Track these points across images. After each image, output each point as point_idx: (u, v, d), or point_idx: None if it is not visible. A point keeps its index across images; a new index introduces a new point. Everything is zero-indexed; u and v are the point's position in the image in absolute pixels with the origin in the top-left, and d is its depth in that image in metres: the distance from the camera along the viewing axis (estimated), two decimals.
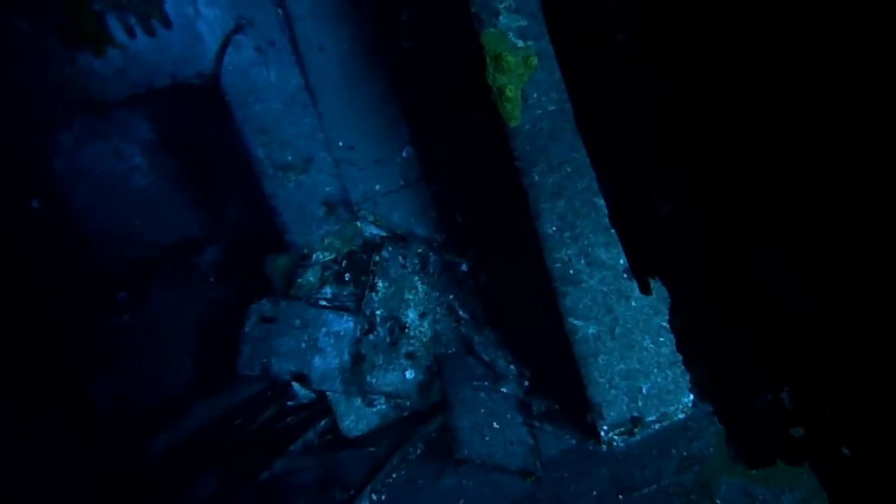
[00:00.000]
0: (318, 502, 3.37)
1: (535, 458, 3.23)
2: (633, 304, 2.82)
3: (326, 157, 3.25)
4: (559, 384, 3.18)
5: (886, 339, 0.91)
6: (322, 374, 3.25)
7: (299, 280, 3.27)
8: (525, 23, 2.53)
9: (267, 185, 3.20)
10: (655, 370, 2.87)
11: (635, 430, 2.89)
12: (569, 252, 2.77)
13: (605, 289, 2.81)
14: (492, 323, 3.53)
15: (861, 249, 0.92)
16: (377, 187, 3.49)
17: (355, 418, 3.42)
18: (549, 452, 3.34)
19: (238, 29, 3.03)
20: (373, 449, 3.41)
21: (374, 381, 3.30)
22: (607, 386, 2.87)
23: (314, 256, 3.28)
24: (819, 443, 1.14)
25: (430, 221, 3.56)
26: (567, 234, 2.76)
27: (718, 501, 3.19)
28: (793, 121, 0.96)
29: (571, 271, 2.79)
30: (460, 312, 3.57)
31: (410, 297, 3.38)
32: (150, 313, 3.61)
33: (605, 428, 2.90)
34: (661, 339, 2.84)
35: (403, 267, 3.38)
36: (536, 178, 2.70)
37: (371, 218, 3.47)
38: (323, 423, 3.49)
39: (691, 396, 2.88)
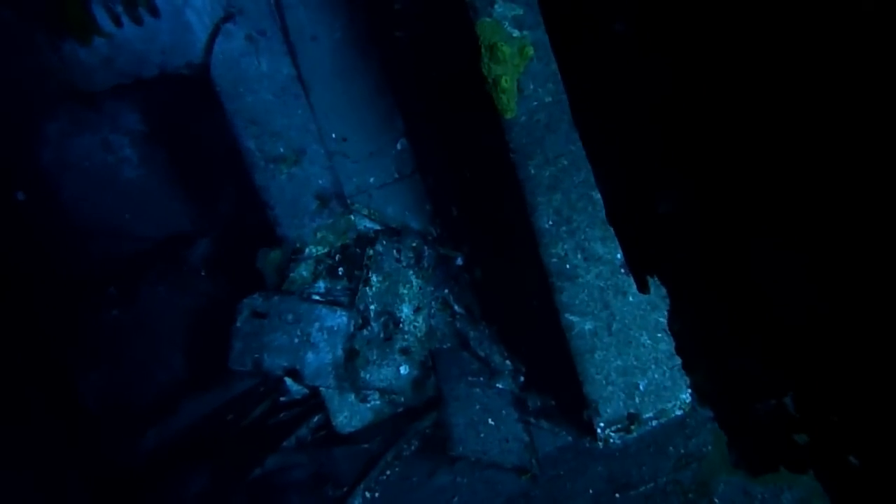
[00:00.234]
0: (311, 499, 3.35)
1: (531, 456, 3.20)
2: (631, 299, 2.79)
3: (319, 149, 3.20)
4: (555, 380, 3.15)
5: None
6: (315, 369, 3.21)
7: (292, 274, 3.23)
8: (521, 12, 2.48)
9: (258, 178, 3.15)
10: (653, 366, 2.84)
11: (632, 427, 2.87)
12: (565, 247, 2.75)
13: (601, 284, 2.78)
14: (487, 318, 3.50)
15: (870, 244, 0.88)
16: (371, 180, 3.44)
17: (349, 414, 3.39)
18: (545, 449, 3.31)
19: (228, 17, 2.97)
20: (366, 445, 3.38)
21: (367, 376, 3.26)
22: (604, 382, 2.85)
23: (307, 250, 3.24)
24: (824, 450, 1.10)
25: (424, 215, 3.52)
26: (563, 228, 2.72)
27: (717, 500, 3.16)
28: (797, 116, 0.91)
29: (568, 266, 2.76)
30: (455, 307, 3.53)
31: (405, 291, 3.34)
32: (139, 308, 3.56)
33: (602, 425, 2.88)
34: (659, 335, 2.81)
35: (398, 261, 3.34)
36: (532, 171, 2.66)
37: (365, 211, 3.43)
38: (316, 419, 3.46)
39: (689, 392, 2.85)
